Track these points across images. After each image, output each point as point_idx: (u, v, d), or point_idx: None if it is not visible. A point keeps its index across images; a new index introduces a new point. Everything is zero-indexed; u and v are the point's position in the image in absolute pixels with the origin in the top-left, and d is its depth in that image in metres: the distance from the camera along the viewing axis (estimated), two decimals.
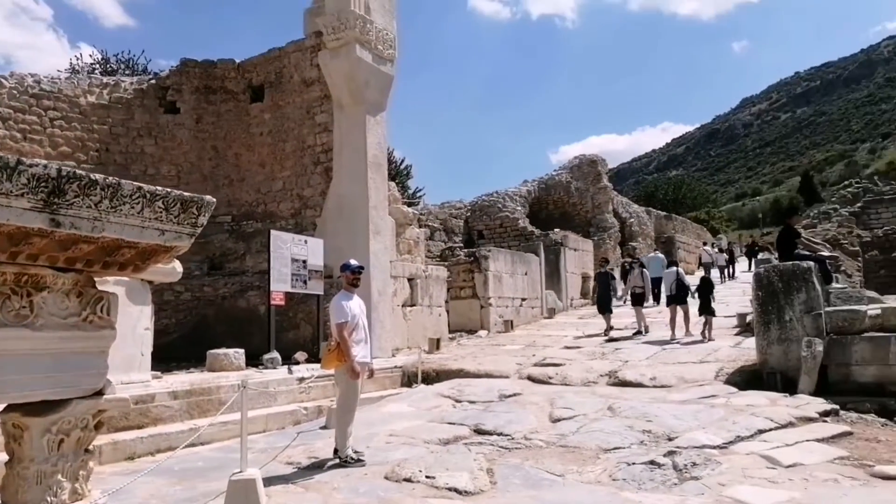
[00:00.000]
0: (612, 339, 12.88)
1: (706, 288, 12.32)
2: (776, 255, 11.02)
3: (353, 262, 6.21)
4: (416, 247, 14.11)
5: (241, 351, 9.85)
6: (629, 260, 16.55)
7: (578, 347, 12.21)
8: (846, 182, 27.91)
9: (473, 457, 5.88)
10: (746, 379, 8.76)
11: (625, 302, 16.68)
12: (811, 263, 8.86)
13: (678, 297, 12.48)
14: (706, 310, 11.92)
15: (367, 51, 12.31)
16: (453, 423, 7.29)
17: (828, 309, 8.29)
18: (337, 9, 12.08)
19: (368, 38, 12.27)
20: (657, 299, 16.80)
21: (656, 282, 16.51)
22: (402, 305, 12.96)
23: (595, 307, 16.11)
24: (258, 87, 13.87)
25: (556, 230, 21.89)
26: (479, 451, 6.09)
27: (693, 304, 12.48)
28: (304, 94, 13.11)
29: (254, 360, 10.15)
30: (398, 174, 35.53)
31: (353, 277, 6.06)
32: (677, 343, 11.85)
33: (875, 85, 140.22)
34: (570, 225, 25.33)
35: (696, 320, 12.35)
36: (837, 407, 7.09)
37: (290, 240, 11.00)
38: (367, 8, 12.35)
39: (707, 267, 23.07)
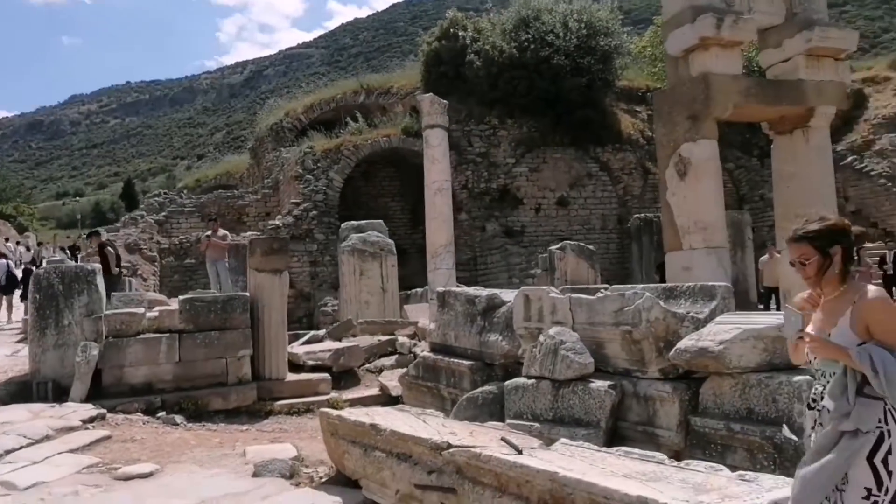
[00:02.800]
0: None
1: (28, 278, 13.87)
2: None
3: None
4: None
5: None
6: None
7: None
8: (156, 192, 29.43)
9: None
10: (14, 392, 7.82)
11: None
12: (96, 265, 8.62)
13: (7, 287, 14.24)
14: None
15: None
16: None
17: (108, 312, 8.17)
18: None
19: None
20: None
21: None
22: None
23: None
24: None
25: None
26: None
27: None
28: None
29: None
30: None
31: None
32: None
33: (195, 110, 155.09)
34: None
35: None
36: (105, 411, 6.97)
37: None
38: None
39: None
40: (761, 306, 15.09)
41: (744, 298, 16.73)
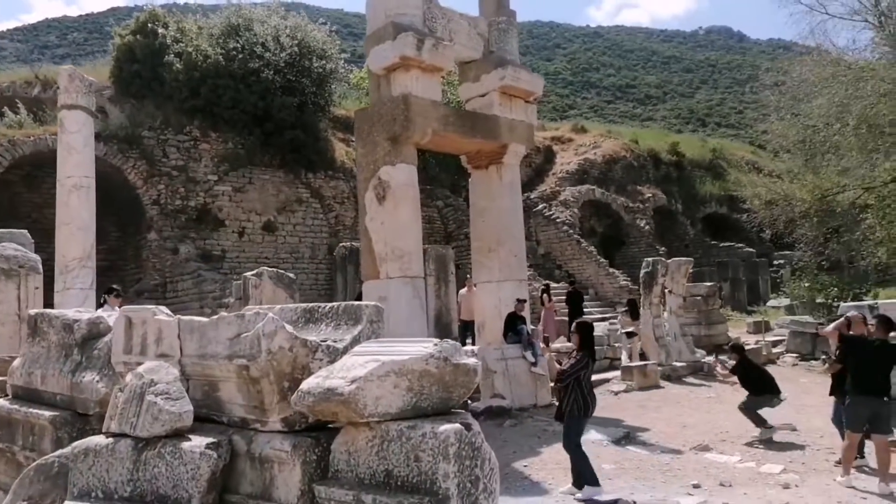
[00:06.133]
0: None
1: None
2: None
3: None
4: None
5: None
6: None
7: None
8: None
9: None
10: None
11: None
12: None
13: None
14: None
15: None
16: None
17: None
18: None
19: None
20: None
21: None
22: None
23: None
24: None
25: None
26: None
27: None
28: None
29: None
30: None
31: None
32: None
33: None
34: None
35: None
36: None
37: None
38: None
39: None
40: (468, 340, 15.12)
41: (446, 332, 16.91)
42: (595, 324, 16.39)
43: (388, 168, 9.99)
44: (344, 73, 20.36)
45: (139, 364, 3.73)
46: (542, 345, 8.11)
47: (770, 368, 13.78)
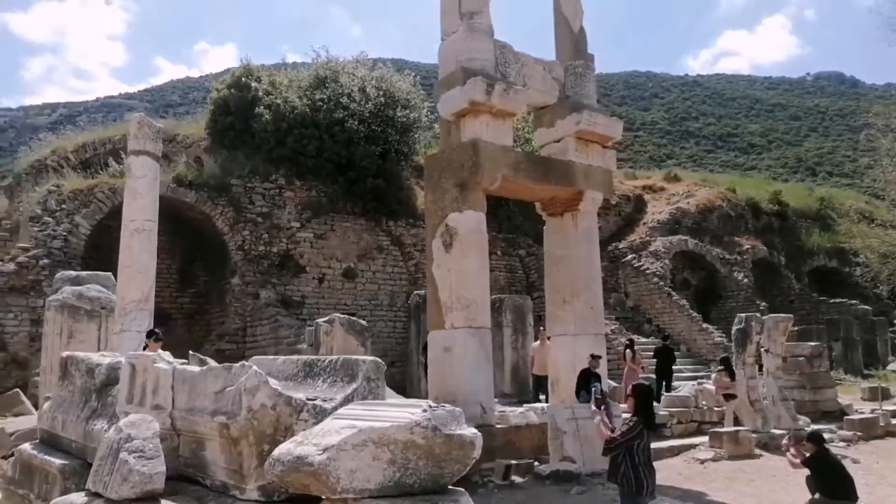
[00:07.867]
0: None
1: None
2: None
3: None
4: None
5: None
6: None
7: None
8: None
9: None
10: None
11: None
12: None
13: None
14: None
15: None
16: None
17: None
18: None
19: None
20: None
21: None
22: None
23: None
24: None
25: None
26: None
27: None
28: None
29: None
30: None
31: None
32: None
33: None
34: None
35: None
36: None
37: None
38: None
39: None
40: (542, 396, 14.34)
41: (523, 386, 16.16)
42: (683, 383, 15.23)
43: (456, 215, 9.69)
44: (428, 122, 20.51)
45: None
46: (593, 407, 7.20)
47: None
